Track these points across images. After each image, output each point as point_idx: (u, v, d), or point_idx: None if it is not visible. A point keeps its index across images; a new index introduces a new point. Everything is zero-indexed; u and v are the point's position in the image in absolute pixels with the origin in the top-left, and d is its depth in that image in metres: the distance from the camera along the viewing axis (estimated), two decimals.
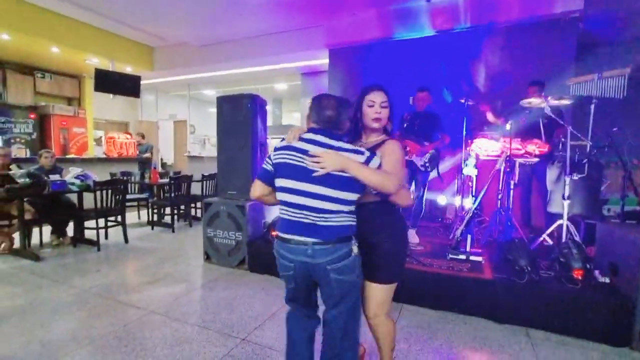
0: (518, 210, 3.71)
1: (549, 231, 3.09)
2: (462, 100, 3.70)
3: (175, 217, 5.44)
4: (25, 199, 3.77)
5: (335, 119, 1.40)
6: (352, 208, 1.40)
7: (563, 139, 3.08)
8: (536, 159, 3.24)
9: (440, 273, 2.68)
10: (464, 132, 3.75)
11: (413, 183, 3.48)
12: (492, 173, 3.39)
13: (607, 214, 3.25)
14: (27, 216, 3.83)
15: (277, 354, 2.03)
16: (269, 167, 1.45)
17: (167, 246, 4.39)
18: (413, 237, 3.49)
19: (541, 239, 3.12)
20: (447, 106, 4.08)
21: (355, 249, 1.37)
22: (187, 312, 2.58)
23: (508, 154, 3.17)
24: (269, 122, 5.34)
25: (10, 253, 3.86)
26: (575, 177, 2.96)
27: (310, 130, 1.42)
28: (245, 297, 2.82)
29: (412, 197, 1.53)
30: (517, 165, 3.29)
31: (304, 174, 1.34)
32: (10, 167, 3.93)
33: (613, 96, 2.91)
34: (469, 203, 3.76)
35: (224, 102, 3.65)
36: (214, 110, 3.80)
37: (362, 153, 1.36)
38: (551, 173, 3.49)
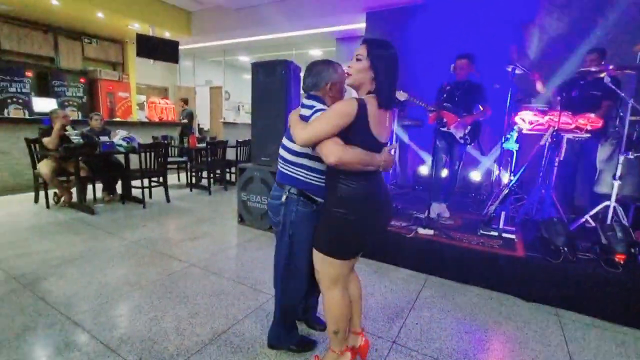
0: (560, 189, 3.50)
1: (593, 212, 2.91)
2: (509, 68, 3.44)
3: (212, 180, 5.72)
4: (80, 158, 4.13)
5: (308, 82, 1.54)
6: (297, 160, 1.51)
7: (621, 113, 2.81)
8: (587, 135, 3.00)
9: (469, 248, 2.66)
10: (508, 103, 3.52)
11: (448, 155, 3.37)
12: (536, 148, 3.20)
13: None
14: (82, 173, 4.21)
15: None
16: None
17: (204, 207, 4.67)
18: (444, 211, 3.44)
19: (583, 219, 2.96)
20: (491, 75, 3.80)
21: (283, 197, 1.54)
22: (223, 267, 2.79)
23: (555, 128, 2.95)
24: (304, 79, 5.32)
25: (69, 206, 4.31)
26: (632, 155, 2.73)
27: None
28: None
29: (340, 151, 1.26)
30: (564, 141, 3.07)
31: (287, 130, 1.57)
32: (66, 128, 4.27)
33: None
34: (506, 179, 3.61)
35: (258, 68, 3.66)
36: (248, 76, 3.84)
37: (309, 108, 1.47)
38: (603, 150, 3.23)
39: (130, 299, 2.26)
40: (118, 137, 4.50)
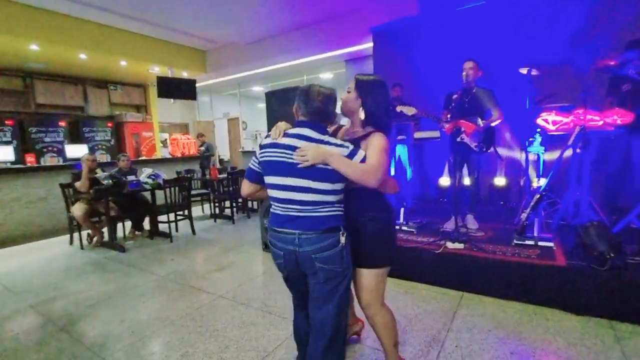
0: (598, 190, 3.29)
1: (636, 212, 2.71)
2: (524, 71, 3.36)
3: (235, 209, 5.80)
4: (109, 198, 4.31)
5: (323, 111, 1.40)
6: (339, 198, 1.40)
7: None
8: (617, 130, 2.84)
9: (503, 260, 2.51)
10: (527, 106, 3.42)
11: (465, 166, 3.27)
12: (564, 150, 3.06)
13: None
14: (112, 213, 4.38)
15: None
16: (256, 167, 1.48)
17: (229, 237, 4.72)
18: (472, 222, 3.31)
19: (627, 221, 2.75)
20: (506, 79, 3.72)
21: (342, 239, 1.37)
22: (251, 297, 2.77)
23: (583, 126, 2.82)
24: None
25: (102, 245, 4.47)
26: None
27: (297, 123, 1.43)
28: None
29: (397, 186, 1.53)
30: (592, 139, 2.92)
31: (289, 169, 1.35)
32: (96, 170, 4.51)
33: None
34: (535, 184, 3.45)
35: (271, 97, 3.77)
36: (263, 105, 3.95)
37: (346, 147, 1.35)
38: None
39: (162, 336, 2.26)
40: (144, 175, 4.69)
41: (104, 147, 7.91)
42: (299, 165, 1.32)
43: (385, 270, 1.53)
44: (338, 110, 1.53)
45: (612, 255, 2.20)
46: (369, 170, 1.32)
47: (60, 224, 5.27)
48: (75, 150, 6.85)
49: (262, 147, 1.45)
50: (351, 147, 1.36)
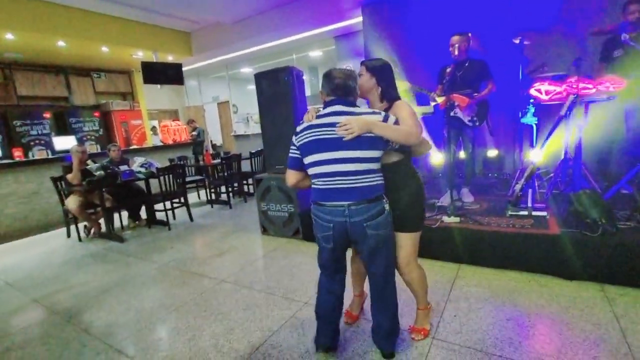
0: (591, 157, 3.33)
1: (627, 178, 2.76)
2: (516, 40, 3.31)
3: (231, 194, 5.79)
4: (103, 189, 4.27)
5: (345, 85, 1.53)
6: (379, 166, 1.54)
7: None
8: (612, 98, 2.84)
9: (499, 231, 2.57)
10: (520, 76, 3.39)
11: (459, 141, 3.27)
12: (557, 119, 3.06)
13: None
14: (107, 204, 4.35)
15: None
16: (296, 154, 1.60)
17: (227, 221, 4.74)
18: (467, 195, 3.35)
19: (618, 187, 2.80)
20: (498, 49, 3.66)
21: (387, 206, 1.54)
22: (253, 279, 2.81)
23: (576, 95, 2.81)
24: (307, 92, 5.32)
25: (100, 236, 4.47)
26: None
27: (326, 104, 1.55)
28: (303, 264, 2.99)
29: (430, 144, 1.72)
30: (587, 107, 2.92)
31: (332, 144, 1.46)
32: (87, 162, 4.44)
33: None
34: (528, 155, 3.47)
35: (261, 78, 3.68)
36: (253, 87, 3.87)
37: (379, 113, 1.50)
38: (632, 111, 3.05)
39: (168, 322, 2.31)
40: (136, 164, 4.63)
41: (92, 137, 7.75)
42: (345, 138, 1.43)
43: (418, 233, 1.73)
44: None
45: (604, 221, 2.25)
46: (409, 130, 1.49)
47: (55, 217, 5.24)
48: (64, 142, 6.71)
49: (297, 133, 1.58)
50: (383, 112, 1.52)
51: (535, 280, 2.35)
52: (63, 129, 7.26)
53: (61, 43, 5.80)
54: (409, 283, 1.82)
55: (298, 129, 1.59)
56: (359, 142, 1.43)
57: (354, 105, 1.54)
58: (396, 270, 1.74)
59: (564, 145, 3.08)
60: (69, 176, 4.20)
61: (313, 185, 1.58)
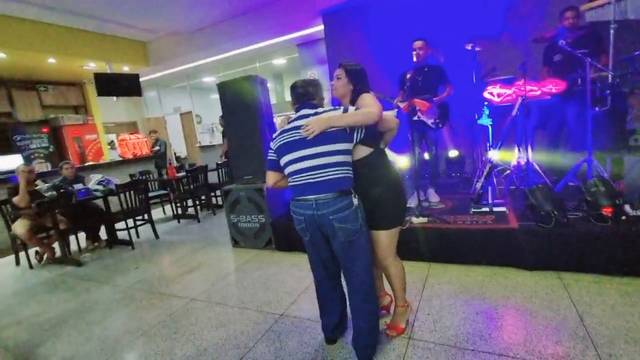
0: (542, 154, 3.59)
1: (573, 171, 3.01)
2: (469, 47, 3.51)
3: (198, 207, 5.59)
4: (56, 211, 3.95)
5: (306, 93, 1.72)
6: (347, 159, 1.62)
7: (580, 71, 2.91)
8: (553, 98, 3.09)
9: (464, 228, 2.68)
10: (474, 80, 3.60)
11: (423, 143, 3.41)
12: (509, 119, 3.27)
13: (634, 144, 3.11)
14: (62, 226, 4.04)
15: (316, 324, 2.13)
16: (274, 156, 1.74)
17: (196, 236, 4.56)
18: (433, 196, 3.47)
19: (566, 180, 3.04)
20: (453, 55, 3.86)
21: (355, 201, 1.59)
22: (225, 295, 2.72)
23: (523, 97, 3.03)
24: (272, 100, 5.28)
25: (54, 262, 4.12)
26: (598, 109, 2.83)
27: (295, 110, 1.74)
28: (277, 275, 2.94)
29: (396, 120, 1.74)
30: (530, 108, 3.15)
31: (301, 143, 1.60)
32: (36, 182, 4.09)
33: (635, 17, 2.69)
34: (487, 155, 3.67)
35: (224, 88, 3.61)
36: (216, 96, 3.78)
37: (339, 108, 1.64)
38: (573, 110, 3.33)
39: (135, 348, 2.16)
40: (93, 182, 4.35)
41: (42, 155, 7.19)
42: (308, 138, 1.56)
43: (397, 230, 1.78)
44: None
45: (556, 213, 2.43)
46: (367, 110, 1.56)
47: (1, 244, 4.76)
48: (8, 162, 6.15)
49: (273, 138, 1.73)
50: (342, 107, 1.64)
51: (499, 273, 2.48)
52: (6, 147, 6.67)
53: (1, 54, 5.35)
54: (387, 278, 1.90)
55: (274, 135, 1.74)
56: (323, 138, 1.56)
57: (316, 107, 1.69)
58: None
59: (517, 143, 3.30)
60: (15, 199, 3.85)
61: (289, 184, 1.70)
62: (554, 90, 3.06)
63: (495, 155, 3.22)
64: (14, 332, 2.57)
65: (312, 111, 1.66)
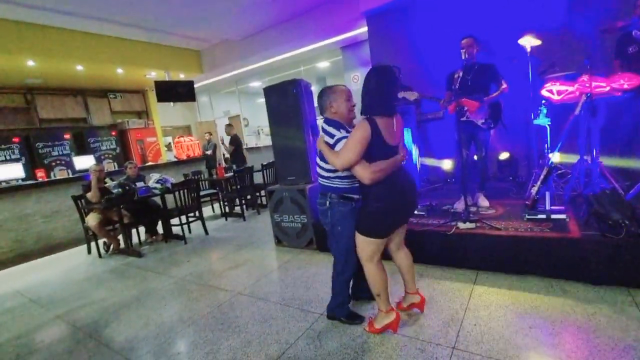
0: (610, 157, 3.23)
1: None
2: (524, 42, 3.27)
3: (244, 206, 5.85)
4: (121, 206, 4.39)
5: (319, 105, 2.01)
6: (329, 175, 1.96)
7: None
8: (625, 95, 2.77)
9: (516, 236, 2.51)
10: (530, 78, 3.35)
11: (472, 145, 3.24)
12: (571, 119, 3.00)
13: None
14: (125, 220, 4.46)
15: (355, 327, 2.13)
16: None
17: (241, 234, 4.78)
18: (482, 200, 3.29)
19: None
20: (507, 53, 3.63)
21: (327, 203, 1.99)
22: (268, 291, 2.82)
23: (589, 94, 2.76)
24: (316, 103, 5.37)
25: (119, 252, 4.57)
26: None
27: None
28: (318, 275, 2.98)
29: (370, 173, 1.75)
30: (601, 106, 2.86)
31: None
32: (105, 180, 4.57)
33: None
34: (545, 157, 3.40)
35: (270, 92, 3.75)
36: (263, 100, 3.93)
37: (333, 136, 1.86)
38: None
39: (186, 336, 2.33)
40: (152, 180, 4.75)
41: (110, 155, 8.01)
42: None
43: (365, 238, 1.90)
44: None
45: (627, 222, 2.17)
46: (334, 158, 1.79)
47: (76, 234, 5.39)
48: (83, 162, 6.95)
49: None
50: (338, 135, 1.84)
51: (556, 286, 2.28)
52: (83, 149, 7.53)
53: (79, 67, 6.07)
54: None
55: None
56: (321, 154, 1.95)
57: (331, 123, 1.91)
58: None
59: (580, 145, 3.01)
60: (88, 194, 4.34)
61: None
62: (626, 86, 2.74)
63: (554, 157, 2.97)
64: (85, 313, 2.90)
65: (328, 130, 1.90)
